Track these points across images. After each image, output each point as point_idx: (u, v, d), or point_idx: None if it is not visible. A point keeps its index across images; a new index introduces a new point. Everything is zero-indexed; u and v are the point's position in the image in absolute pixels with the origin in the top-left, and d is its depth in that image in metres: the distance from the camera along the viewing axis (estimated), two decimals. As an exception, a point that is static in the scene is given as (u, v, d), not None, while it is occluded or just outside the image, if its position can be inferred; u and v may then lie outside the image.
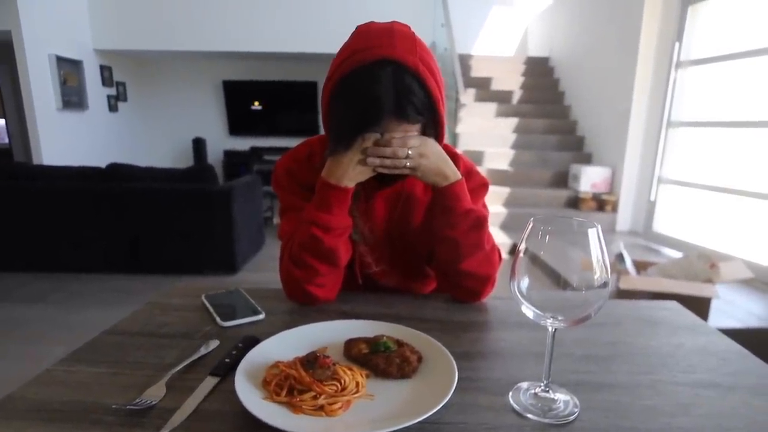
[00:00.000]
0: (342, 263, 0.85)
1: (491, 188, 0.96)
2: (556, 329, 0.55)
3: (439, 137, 0.81)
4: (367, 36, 0.75)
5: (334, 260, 0.83)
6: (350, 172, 0.78)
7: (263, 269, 3.53)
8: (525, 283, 0.53)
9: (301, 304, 0.86)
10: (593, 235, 0.50)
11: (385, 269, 0.96)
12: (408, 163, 0.77)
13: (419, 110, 0.75)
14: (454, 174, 0.81)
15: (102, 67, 5.95)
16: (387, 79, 0.72)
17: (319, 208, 0.80)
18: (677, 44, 3.79)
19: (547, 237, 0.51)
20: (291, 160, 0.91)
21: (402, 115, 0.74)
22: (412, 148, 0.76)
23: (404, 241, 0.93)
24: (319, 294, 0.85)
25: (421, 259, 0.96)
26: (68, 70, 5.24)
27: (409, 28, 0.78)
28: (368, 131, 0.75)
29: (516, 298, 0.54)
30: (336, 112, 0.78)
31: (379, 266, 0.96)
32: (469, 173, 0.88)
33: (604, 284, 0.51)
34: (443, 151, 0.81)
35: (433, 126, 0.79)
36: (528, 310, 0.54)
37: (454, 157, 0.86)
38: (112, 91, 6.21)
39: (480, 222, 0.83)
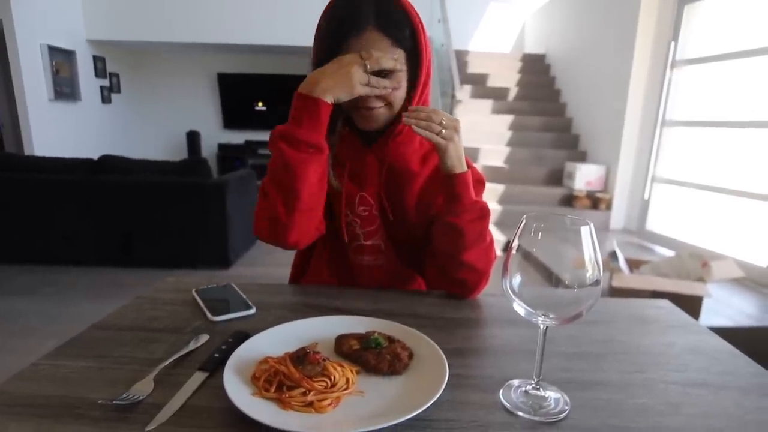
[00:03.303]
0: (304, 194, 0.79)
1: (486, 185, 0.96)
2: (547, 327, 0.55)
3: (418, 82, 0.82)
4: None
5: (296, 182, 0.77)
6: (324, 82, 0.75)
7: (257, 264, 3.51)
8: (517, 280, 0.52)
9: (268, 242, 0.84)
10: (586, 233, 0.50)
11: (376, 244, 0.96)
12: (443, 131, 0.77)
13: (402, 29, 0.76)
14: (465, 163, 0.83)
15: (95, 58, 5.89)
16: None
17: (289, 122, 0.78)
18: (673, 43, 3.80)
19: (540, 234, 0.51)
20: None
21: (383, 27, 0.75)
22: (448, 119, 0.77)
23: (396, 217, 0.92)
24: (280, 232, 0.81)
25: (412, 242, 0.95)
26: (60, 60, 5.18)
27: None
28: (350, 41, 0.76)
29: (508, 295, 0.54)
30: (318, 33, 0.80)
31: (369, 240, 0.95)
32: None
33: (596, 282, 0.50)
34: None
35: (414, 66, 0.80)
36: (520, 308, 0.54)
37: None
38: (105, 83, 6.15)
39: (484, 213, 0.84)
